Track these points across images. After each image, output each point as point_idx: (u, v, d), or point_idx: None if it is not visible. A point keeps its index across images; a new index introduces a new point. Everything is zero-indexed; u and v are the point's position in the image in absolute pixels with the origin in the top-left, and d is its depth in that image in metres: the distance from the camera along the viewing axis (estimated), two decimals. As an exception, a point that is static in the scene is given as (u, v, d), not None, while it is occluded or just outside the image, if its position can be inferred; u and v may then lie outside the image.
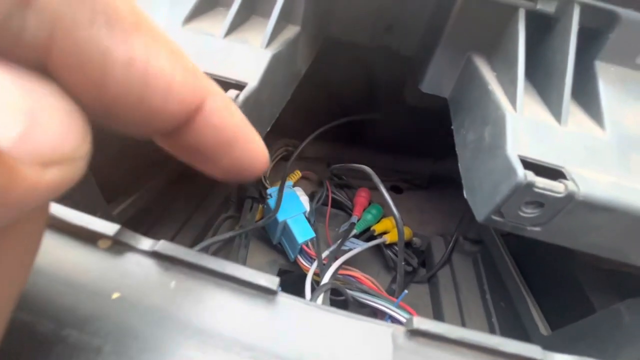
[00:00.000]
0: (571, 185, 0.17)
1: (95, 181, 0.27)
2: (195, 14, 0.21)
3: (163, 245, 0.14)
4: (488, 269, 0.44)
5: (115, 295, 0.13)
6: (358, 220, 0.43)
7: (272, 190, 0.41)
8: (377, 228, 0.44)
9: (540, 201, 0.17)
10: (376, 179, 0.34)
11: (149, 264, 0.14)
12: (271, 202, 0.40)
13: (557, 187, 0.17)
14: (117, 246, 0.14)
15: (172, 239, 0.42)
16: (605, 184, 0.17)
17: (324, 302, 0.30)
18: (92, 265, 0.14)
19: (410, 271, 0.46)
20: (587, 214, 0.17)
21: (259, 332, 0.12)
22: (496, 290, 0.40)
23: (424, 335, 0.13)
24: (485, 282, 0.43)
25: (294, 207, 0.41)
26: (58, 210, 0.14)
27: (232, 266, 0.14)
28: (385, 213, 0.49)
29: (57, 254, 0.14)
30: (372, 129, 0.56)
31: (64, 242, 0.14)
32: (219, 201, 0.46)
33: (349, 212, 0.48)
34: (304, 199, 0.44)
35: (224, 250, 0.40)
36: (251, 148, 0.10)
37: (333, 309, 0.14)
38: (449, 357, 0.13)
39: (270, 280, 0.13)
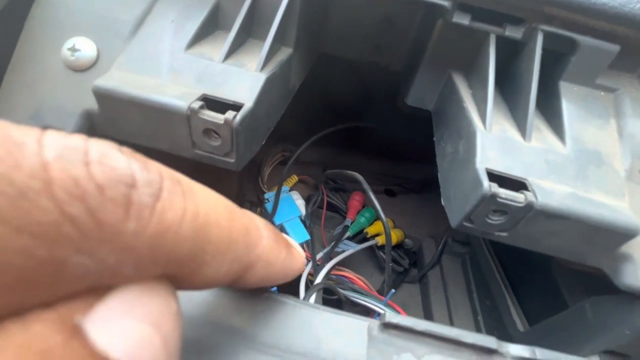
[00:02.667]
0: (530, 196, 0.19)
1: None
2: (196, 39, 0.23)
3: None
4: (475, 269, 0.46)
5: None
6: (351, 223, 0.46)
7: (269, 195, 0.44)
8: (370, 230, 0.46)
9: (504, 210, 0.19)
10: (366, 185, 0.36)
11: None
12: (269, 206, 0.42)
13: (517, 198, 0.19)
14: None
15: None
16: (562, 194, 0.19)
17: (316, 301, 0.33)
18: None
19: (401, 272, 0.48)
20: (545, 221, 0.19)
21: (253, 325, 0.15)
22: (482, 290, 0.43)
23: (395, 327, 0.16)
24: (472, 281, 0.45)
25: (290, 210, 0.43)
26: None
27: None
28: (378, 216, 0.51)
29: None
30: (366, 134, 0.58)
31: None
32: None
33: (343, 214, 0.50)
34: (300, 203, 0.46)
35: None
36: (291, 270, 0.13)
37: (318, 305, 0.17)
38: (415, 346, 0.15)
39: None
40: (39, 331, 0.06)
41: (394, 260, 0.48)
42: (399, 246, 0.50)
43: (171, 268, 0.08)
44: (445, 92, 0.28)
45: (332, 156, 0.59)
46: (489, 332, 0.39)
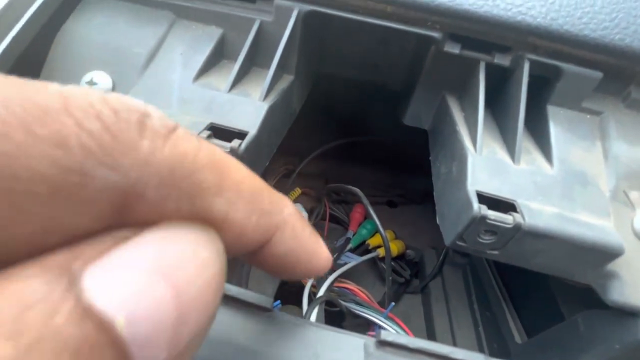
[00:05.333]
0: (518, 217, 0.20)
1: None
2: (204, 70, 0.25)
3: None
4: (476, 280, 0.47)
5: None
6: (353, 235, 0.47)
7: (273, 209, 0.45)
8: (372, 242, 0.47)
9: (494, 230, 0.20)
10: (365, 200, 0.37)
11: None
12: (272, 219, 0.43)
13: (506, 219, 0.20)
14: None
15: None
16: (549, 215, 0.20)
17: (319, 313, 0.34)
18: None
19: (402, 282, 0.49)
20: (533, 240, 0.20)
21: (255, 342, 0.16)
22: (483, 301, 0.43)
23: (390, 345, 0.17)
24: (473, 292, 0.46)
25: (294, 224, 0.44)
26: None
27: (233, 288, 0.17)
28: (380, 227, 0.52)
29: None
30: (367, 147, 0.60)
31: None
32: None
33: (345, 226, 0.51)
34: (303, 215, 0.48)
35: (229, 266, 0.43)
36: (318, 258, 0.12)
37: (317, 324, 0.18)
38: (408, 362, 0.16)
39: (266, 301, 0.17)
40: (31, 278, 0.06)
41: (395, 271, 0.48)
42: (400, 257, 0.51)
43: (197, 202, 0.08)
44: (440, 113, 0.29)
45: (334, 168, 0.60)
46: (490, 343, 0.39)
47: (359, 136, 0.51)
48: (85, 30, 0.25)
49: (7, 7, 0.22)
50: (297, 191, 0.54)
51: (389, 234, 0.51)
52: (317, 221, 0.50)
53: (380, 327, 0.35)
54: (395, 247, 0.49)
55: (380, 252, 0.46)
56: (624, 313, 0.21)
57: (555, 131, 0.23)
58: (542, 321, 0.32)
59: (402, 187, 0.60)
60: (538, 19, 0.21)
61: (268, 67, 0.25)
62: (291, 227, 0.11)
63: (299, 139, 0.50)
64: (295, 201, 0.52)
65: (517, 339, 0.32)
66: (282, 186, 0.55)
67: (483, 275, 0.43)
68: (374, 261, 0.48)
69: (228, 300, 0.17)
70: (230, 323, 0.16)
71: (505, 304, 0.36)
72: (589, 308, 0.25)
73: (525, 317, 0.35)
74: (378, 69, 0.33)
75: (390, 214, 0.61)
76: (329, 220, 0.51)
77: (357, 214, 0.50)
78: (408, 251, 0.52)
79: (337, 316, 0.41)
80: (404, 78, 0.33)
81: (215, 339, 0.16)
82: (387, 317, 0.35)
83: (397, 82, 0.34)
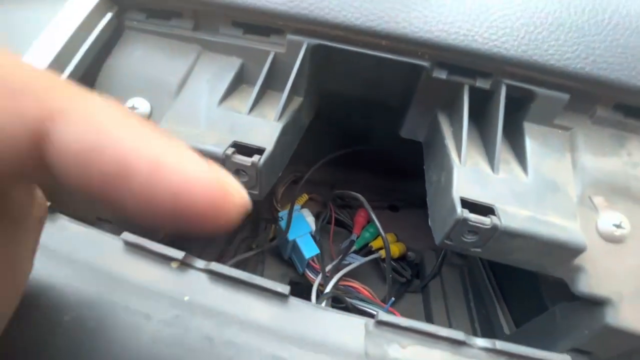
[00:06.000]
0: (495, 220, 0.23)
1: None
2: (226, 94, 0.29)
3: (213, 265, 0.21)
4: (472, 279, 0.50)
5: (186, 298, 0.20)
6: (357, 238, 0.50)
7: (282, 214, 0.49)
8: (374, 244, 0.51)
9: (475, 231, 0.24)
10: (367, 205, 0.41)
11: (204, 277, 0.21)
12: (282, 223, 0.47)
13: (485, 221, 0.23)
14: (183, 266, 0.22)
15: (199, 255, 0.49)
16: (523, 217, 0.24)
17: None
18: (169, 278, 0.21)
19: (404, 282, 0.52)
20: (509, 239, 0.24)
21: (275, 321, 0.20)
22: (478, 298, 0.46)
23: (386, 324, 0.20)
24: (470, 291, 0.49)
25: (302, 227, 0.48)
26: (144, 241, 0.22)
27: (258, 278, 0.21)
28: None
29: (149, 271, 0.21)
30: (371, 155, 0.63)
31: (149, 262, 0.22)
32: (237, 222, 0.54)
33: (350, 230, 0.55)
34: (310, 220, 0.51)
35: (245, 266, 0.47)
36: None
37: (327, 307, 0.21)
38: (401, 339, 0.20)
39: (284, 288, 0.21)
40: None
41: (397, 272, 0.52)
42: (402, 258, 0.55)
43: None
44: (432, 128, 0.33)
45: (340, 175, 0.64)
46: (486, 337, 0.42)
47: (362, 145, 0.54)
48: (127, 62, 0.29)
49: (66, 45, 0.27)
50: (305, 197, 0.58)
51: (390, 237, 0.55)
52: (324, 225, 0.54)
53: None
54: (397, 249, 0.53)
55: (383, 253, 0.50)
56: (591, 303, 0.25)
57: (530, 145, 0.27)
58: (529, 313, 0.35)
59: (403, 192, 0.64)
60: (511, 51, 0.25)
61: (281, 90, 0.29)
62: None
63: (307, 148, 0.54)
64: (302, 206, 0.55)
65: (506, 330, 0.35)
66: (290, 192, 0.59)
67: (478, 274, 0.47)
68: (376, 262, 0.51)
69: (251, 286, 0.21)
70: (253, 305, 0.20)
71: (497, 299, 0.39)
72: (566, 300, 0.29)
73: (515, 310, 0.39)
74: (377, 89, 0.37)
75: (392, 217, 0.64)
76: (334, 224, 0.55)
77: (360, 218, 0.54)
78: (409, 253, 0.56)
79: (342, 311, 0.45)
80: (400, 97, 0.36)
81: (241, 318, 0.19)
82: (389, 312, 0.39)
83: (395, 100, 0.38)
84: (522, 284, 0.39)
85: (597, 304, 0.24)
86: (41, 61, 0.26)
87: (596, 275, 0.24)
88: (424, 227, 0.61)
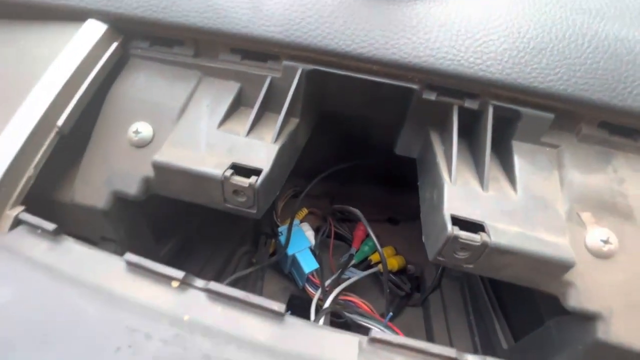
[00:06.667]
0: (485, 236, 0.24)
1: (150, 230, 0.36)
2: (226, 117, 0.30)
3: (212, 285, 0.22)
4: (472, 292, 0.50)
5: (186, 317, 0.21)
6: (356, 252, 0.51)
7: (282, 229, 0.50)
8: (373, 258, 0.51)
9: (466, 248, 0.25)
10: (364, 221, 0.42)
11: (204, 296, 0.22)
12: (282, 238, 0.48)
13: (475, 238, 0.24)
14: (183, 285, 0.23)
15: (200, 270, 0.50)
16: (512, 234, 0.25)
17: (325, 324, 0.38)
18: (169, 297, 0.22)
19: (404, 296, 0.52)
20: (499, 256, 0.24)
21: (271, 340, 0.20)
22: (478, 312, 0.46)
23: (379, 341, 0.21)
24: (469, 304, 0.49)
25: (301, 242, 0.49)
26: (146, 262, 0.23)
27: (255, 297, 0.22)
28: (381, 244, 0.56)
29: (150, 290, 0.22)
30: (370, 168, 0.64)
31: (151, 282, 0.23)
32: (237, 237, 0.54)
33: (349, 243, 0.55)
34: (310, 234, 0.52)
35: (245, 282, 0.48)
36: None
37: (322, 325, 0.22)
38: (394, 356, 0.20)
39: (280, 307, 0.21)
40: None
41: (397, 285, 0.52)
42: (401, 271, 0.55)
43: None
44: (425, 145, 0.34)
45: (339, 188, 0.65)
46: (485, 351, 0.42)
47: (361, 159, 0.55)
48: (131, 89, 0.31)
49: (73, 75, 0.28)
50: (304, 211, 0.59)
51: (390, 250, 0.55)
52: (324, 238, 0.55)
53: (381, 335, 0.39)
54: (396, 263, 0.53)
55: (382, 267, 0.50)
56: (583, 317, 0.25)
57: (519, 162, 0.28)
58: (527, 327, 0.36)
59: (403, 205, 0.64)
60: (496, 75, 0.26)
61: (278, 112, 0.30)
62: None
63: (306, 162, 0.55)
64: (302, 221, 0.56)
65: (504, 344, 0.35)
66: (290, 206, 0.60)
67: (477, 287, 0.47)
68: (376, 275, 0.51)
69: (249, 305, 0.21)
70: (250, 324, 0.21)
71: (495, 312, 0.40)
72: (561, 314, 0.29)
73: (514, 323, 0.39)
74: (371, 108, 0.38)
75: (391, 230, 0.65)
76: (334, 237, 0.55)
77: (360, 231, 0.55)
78: (409, 266, 0.56)
79: (341, 326, 0.45)
80: (394, 116, 0.38)
81: (239, 337, 0.20)
82: (387, 326, 0.39)
83: (389, 118, 0.39)
84: (520, 296, 0.40)
85: (588, 318, 0.25)
86: (51, 90, 0.27)
87: (586, 291, 0.25)
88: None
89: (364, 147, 0.59)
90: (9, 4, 0.31)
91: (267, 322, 0.21)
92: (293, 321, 0.21)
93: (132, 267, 0.23)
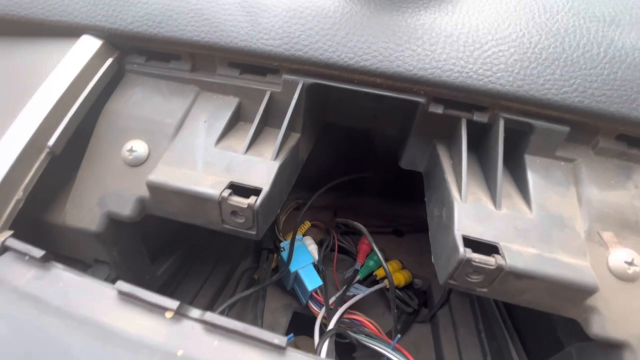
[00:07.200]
0: (500, 259, 0.22)
1: (145, 250, 0.35)
2: (224, 134, 0.29)
3: (208, 315, 0.21)
4: (482, 308, 0.48)
5: (179, 352, 0.19)
6: (361, 267, 0.49)
7: (284, 244, 0.48)
8: (379, 273, 0.49)
9: (479, 271, 0.23)
10: (369, 236, 0.40)
11: (199, 327, 0.21)
12: (284, 254, 0.47)
13: (489, 261, 0.22)
14: (178, 315, 0.21)
15: (200, 289, 0.48)
16: (529, 256, 0.23)
17: (329, 346, 0.36)
18: (162, 329, 0.20)
19: (411, 312, 0.50)
20: (516, 280, 0.23)
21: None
22: (489, 329, 0.44)
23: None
24: (480, 321, 0.47)
25: (304, 258, 0.47)
26: (139, 291, 0.22)
27: (254, 329, 0.20)
28: (386, 257, 0.54)
29: (142, 322, 0.20)
30: (373, 179, 0.63)
31: (143, 313, 0.21)
32: (238, 253, 0.53)
33: (354, 257, 0.53)
34: (313, 248, 0.50)
35: (247, 300, 0.46)
36: None
37: (326, 359, 0.20)
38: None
39: (281, 340, 0.20)
40: None
41: (404, 302, 0.50)
42: (408, 286, 0.53)
43: None
44: (431, 159, 0.32)
45: (342, 200, 0.63)
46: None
47: (365, 169, 0.54)
48: (125, 106, 0.30)
49: (66, 93, 0.27)
50: (307, 224, 0.57)
51: (396, 264, 0.54)
52: (327, 252, 0.53)
53: (388, 358, 0.37)
54: (402, 278, 0.51)
55: (388, 282, 0.48)
56: (608, 345, 0.23)
57: (532, 178, 0.26)
58: (544, 349, 0.34)
59: (408, 216, 0.63)
60: (506, 87, 0.25)
61: (278, 127, 0.29)
62: None
63: (309, 174, 0.54)
64: (305, 234, 0.55)
65: (520, 368, 0.33)
66: (293, 219, 0.58)
67: (487, 303, 0.45)
68: (382, 291, 0.50)
69: (248, 337, 0.20)
70: (250, 358, 0.19)
71: (509, 334, 0.38)
72: (582, 340, 0.27)
73: (528, 343, 0.37)
74: (376, 121, 0.37)
75: (397, 242, 0.63)
76: (337, 251, 0.54)
77: (364, 245, 0.53)
78: (415, 280, 0.54)
79: (348, 347, 0.43)
80: (399, 129, 0.36)
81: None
82: (395, 349, 0.37)
83: (393, 131, 0.38)
84: (535, 317, 0.38)
85: (614, 347, 0.23)
86: (42, 108, 0.26)
87: (611, 317, 0.23)
88: (430, 252, 0.60)
89: (368, 159, 0.58)
90: (5, 20, 0.31)
91: (267, 356, 0.20)
92: (295, 355, 0.20)
93: (124, 296, 0.22)
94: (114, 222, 0.28)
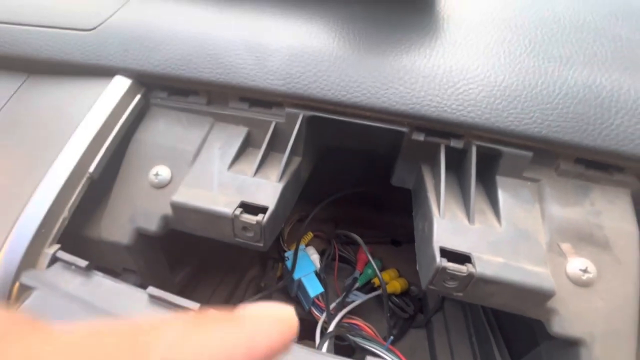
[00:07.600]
0: (471, 267, 0.26)
1: (165, 260, 0.39)
2: (235, 159, 0.33)
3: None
4: (473, 313, 0.51)
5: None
6: (360, 275, 0.53)
7: (289, 254, 0.52)
8: (377, 281, 0.53)
9: (454, 278, 0.27)
10: (365, 247, 0.44)
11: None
12: (288, 263, 0.51)
13: (461, 269, 0.26)
14: (199, 316, 0.25)
15: (212, 294, 0.53)
16: (496, 264, 0.27)
17: (329, 347, 0.40)
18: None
19: (407, 318, 0.54)
20: (485, 285, 0.27)
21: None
22: (479, 333, 0.48)
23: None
24: (471, 325, 0.50)
25: (307, 266, 0.51)
26: (166, 295, 0.26)
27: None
28: (385, 265, 0.58)
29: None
30: (372, 192, 0.66)
31: (170, 312, 0.25)
32: (246, 262, 0.57)
33: (353, 266, 0.57)
34: (315, 257, 0.55)
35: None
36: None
37: (324, 352, 0.24)
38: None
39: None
40: None
41: (400, 307, 0.54)
42: (405, 293, 0.56)
43: None
44: (417, 178, 0.37)
45: (343, 212, 0.67)
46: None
47: (365, 183, 0.58)
48: (150, 136, 0.34)
49: (103, 127, 0.32)
50: (310, 235, 0.61)
51: (393, 273, 0.57)
52: (328, 261, 0.57)
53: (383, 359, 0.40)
54: (399, 285, 0.55)
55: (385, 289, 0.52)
56: (569, 342, 0.27)
57: (502, 196, 0.30)
58: (524, 350, 0.37)
59: (404, 227, 0.66)
60: (476, 119, 0.29)
61: (282, 151, 0.33)
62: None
63: (311, 188, 0.58)
64: (307, 244, 0.59)
65: (501, 367, 0.37)
66: (296, 230, 0.62)
67: (476, 309, 0.48)
68: (379, 298, 0.53)
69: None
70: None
71: (493, 334, 0.41)
72: (550, 339, 0.31)
73: (512, 345, 0.40)
74: (368, 146, 0.42)
75: (394, 252, 0.67)
76: (338, 260, 0.58)
77: (363, 254, 0.57)
78: (412, 287, 0.58)
79: (346, 350, 0.47)
80: (389, 152, 0.41)
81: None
82: (389, 350, 0.41)
83: (384, 154, 0.42)
84: (517, 319, 0.41)
85: (572, 344, 0.27)
86: (84, 141, 0.31)
87: (568, 317, 0.26)
88: (426, 261, 0.63)
89: (366, 175, 0.62)
90: (51, 62, 0.36)
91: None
92: (297, 349, 0.24)
93: (154, 299, 0.26)
94: (141, 236, 0.32)
